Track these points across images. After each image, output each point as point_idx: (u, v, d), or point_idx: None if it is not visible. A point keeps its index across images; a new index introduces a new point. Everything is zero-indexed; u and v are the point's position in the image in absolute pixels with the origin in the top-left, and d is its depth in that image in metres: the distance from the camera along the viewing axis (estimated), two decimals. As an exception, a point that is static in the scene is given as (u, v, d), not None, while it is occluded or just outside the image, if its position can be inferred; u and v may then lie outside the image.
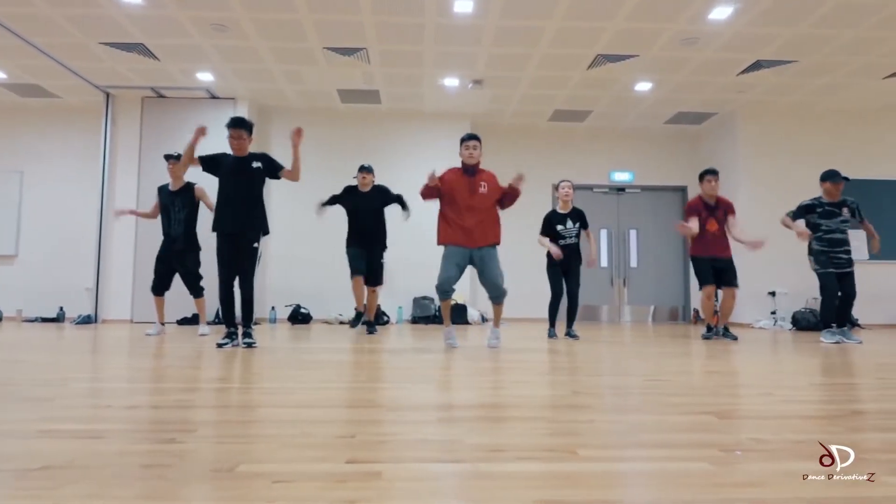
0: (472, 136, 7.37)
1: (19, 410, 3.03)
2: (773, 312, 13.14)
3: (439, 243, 7.36)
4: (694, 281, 15.29)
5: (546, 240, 9.22)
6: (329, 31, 10.28)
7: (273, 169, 7.18)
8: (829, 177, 8.82)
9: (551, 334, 9.15)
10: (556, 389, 3.85)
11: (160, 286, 8.97)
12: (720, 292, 9.19)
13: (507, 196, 7.40)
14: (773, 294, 13.15)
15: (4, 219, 13.98)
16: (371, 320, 10.00)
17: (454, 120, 14.59)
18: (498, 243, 7.34)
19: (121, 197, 13.38)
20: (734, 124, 14.08)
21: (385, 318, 13.22)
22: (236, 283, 7.04)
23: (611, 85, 12.67)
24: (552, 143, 15.56)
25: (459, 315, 13.08)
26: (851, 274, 8.73)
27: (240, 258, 6.98)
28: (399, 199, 10.01)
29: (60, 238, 13.89)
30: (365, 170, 9.87)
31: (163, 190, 9.07)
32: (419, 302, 13.76)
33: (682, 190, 15.82)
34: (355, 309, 9.95)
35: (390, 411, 3.06)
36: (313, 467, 2.05)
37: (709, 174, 9.12)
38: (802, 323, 12.25)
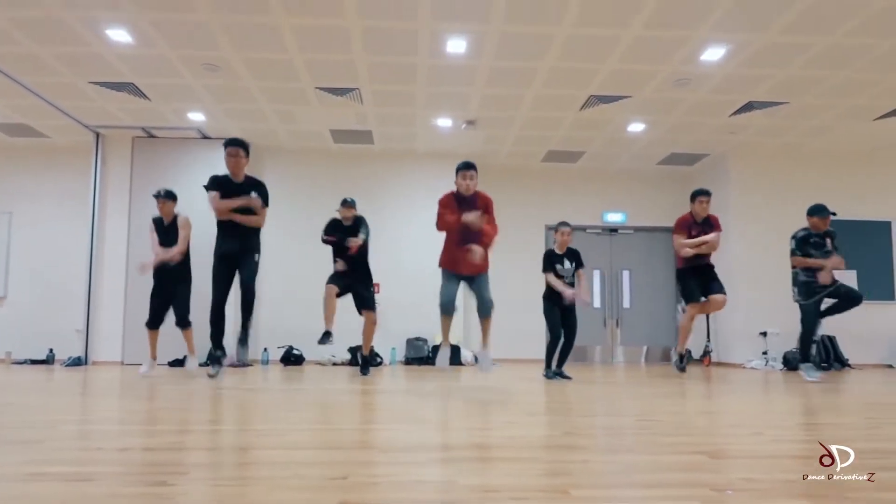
0: (469, 166, 7.11)
1: (8, 453, 3.01)
2: (765, 353, 13.12)
3: (440, 265, 7.39)
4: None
5: (557, 282, 9.13)
6: (321, 71, 10.34)
7: (264, 200, 7.45)
8: (817, 212, 8.85)
9: (550, 375, 9.08)
10: (549, 430, 3.85)
11: (156, 320, 8.99)
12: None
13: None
14: (764, 334, 13.16)
15: (-5, 260, 13.94)
16: (367, 356, 9.80)
17: (448, 160, 14.53)
18: (487, 272, 7.27)
19: (111, 237, 13.36)
20: (726, 165, 14.16)
21: (378, 360, 13.18)
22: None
23: (604, 126, 12.74)
24: (545, 183, 15.60)
25: (453, 356, 13.02)
26: (842, 285, 8.72)
27: (241, 267, 7.30)
28: (363, 231, 9.40)
29: (50, 279, 13.82)
30: (347, 205, 9.53)
31: (158, 223, 9.10)
32: (413, 343, 13.73)
33: (675, 230, 15.87)
34: (326, 331, 9.14)
35: (383, 452, 3.06)
36: (305, 509, 2.04)
37: (701, 195, 9.14)
38: (793, 363, 12.21)
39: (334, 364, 13.05)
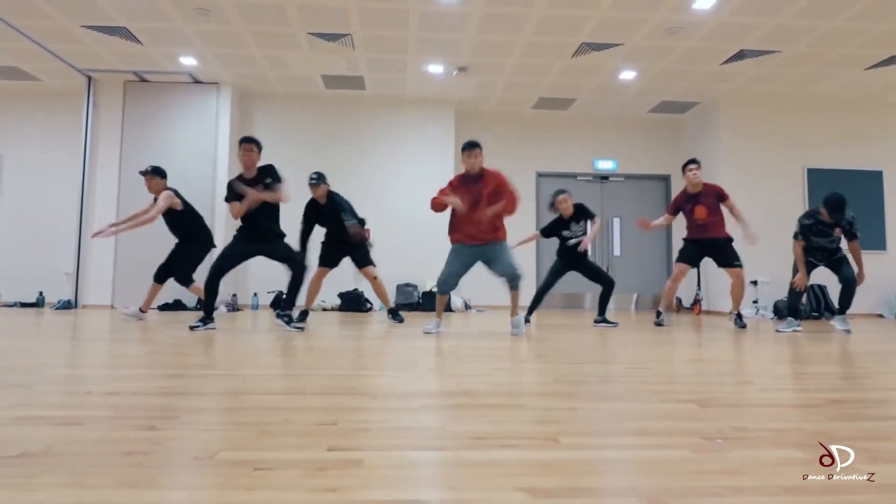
0: (472, 145, 7.30)
1: (-2, 396, 3.01)
2: (755, 301, 13.20)
3: (452, 242, 7.40)
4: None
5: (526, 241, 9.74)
6: (313, 16, 10.23)
7: (275, 181, 7.69)
8: (826, 205, 8.51)
9: (528, 320, 9.10)
10: (538, 377, 3.86)
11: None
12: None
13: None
14: (754, 283, 13.22)
15: (-16, 203, 13.88)
16: (392, 307, 9.65)
17: (438, 106, 14.58)
18: (503, 239, 7.33)
19: (102, 181, 13.31)
20: (717, 113, 14.12)
21: (368, 306, 13.20)
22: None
23: (595, 73, 12.68)
24: (536, 130, 15.57)
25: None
26: (839, 261, 8.69)
27: (278, 257, 7.72)
28: (345, 209, 9.06)
29: (41, 222, 13.81)
30: (313, 182, 9.04)
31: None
32: (403, 289, 13.75)
33: (666, 178, 15.86)
34: (302, 309, 9.18)
35: (372, 398, 3.06)
36: (294, 455, 2.04)
37: (689, 164, 9.14)
38: (784, 312, 12.30)
39: (324, 310, 13.07)
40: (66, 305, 12.64)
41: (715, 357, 5.17)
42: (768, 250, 12.85)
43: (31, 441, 2.15)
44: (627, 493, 1.75)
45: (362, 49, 11.62)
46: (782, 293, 12.98)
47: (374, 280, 9.31)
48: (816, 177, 13.90)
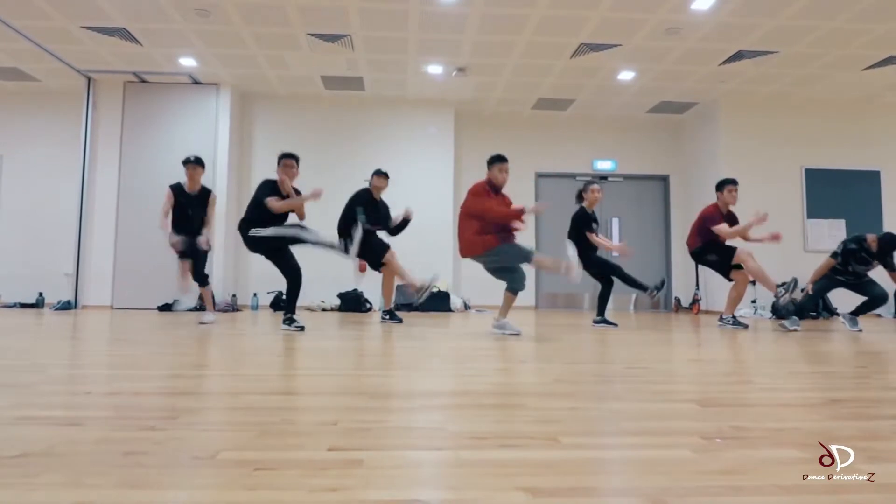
0: (506, 158, 7.49)
1: (-2, 397, 3.00)
2: (754, 301, 13.19)
3: (497, 244, 7.12)
4: (675, 268, 15.36)
5: (605, 240, 9.40)
6: (313, 16, 10.23)
7: None
8: (882, 241, 8.68)
9: (607, 321, 9.27)
10: (538, 377, 3.86)
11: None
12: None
13: None
14: (753, 283, 13.20)
15: (-17, 204, 13.87)
16: (391, 309, 9.72)
17: (438, 107, 14.58)
18: None
19: (102, 182, 13.30)
20: (716, 113, 14.12)
21: (368, 306, 13.20)
22: None
23: (594, 73, 12.68)
24: (535, 131, 15.57)
25: (442, 302, 13.06)
26: (867, 283, 8.93)
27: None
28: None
29: (40, 223, 13.79)
30: (384, 175, 9.56)
31: (179, 190, 8.83)
32: (402, 289, 13.73)
33: (665, 179, 15.86)
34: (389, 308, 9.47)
35: (373, 398, 3.06)
36: (295, 455, 2.04)
37: (730, 183, 9.16)
38: (782, 312, 12.28)
39: (324, 310, 13.07)
40: (66, 306, 12.65)
41: (715, 357, 5.17)
42: (767, 250, 12.84)
43: (31, 441, 2.15)
44: (627, 493, 1.75)
45: (362, 49, 11.62)
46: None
47: (390, 275, 9.63)
48: (814, 177, 13.90)
